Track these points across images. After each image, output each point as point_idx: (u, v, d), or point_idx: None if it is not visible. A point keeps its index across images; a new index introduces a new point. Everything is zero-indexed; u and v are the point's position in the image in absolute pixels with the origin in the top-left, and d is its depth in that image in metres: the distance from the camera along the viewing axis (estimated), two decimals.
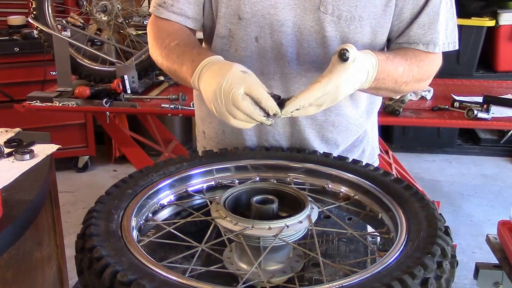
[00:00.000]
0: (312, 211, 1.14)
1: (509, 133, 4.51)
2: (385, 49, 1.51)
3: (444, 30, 1.44)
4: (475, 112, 2.75)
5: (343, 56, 1.17)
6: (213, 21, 1.49)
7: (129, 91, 3.06)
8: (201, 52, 1.33)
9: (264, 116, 1.17)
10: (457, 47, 1.48)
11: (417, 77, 1.42)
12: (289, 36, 1.43)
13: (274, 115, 1.16)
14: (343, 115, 1.54)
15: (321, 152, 1.47)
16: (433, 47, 1.43)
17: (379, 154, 1.76)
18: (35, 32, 3.54)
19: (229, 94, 1.15)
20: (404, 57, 1.39)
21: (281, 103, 1.19)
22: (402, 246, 1.04)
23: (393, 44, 1.48)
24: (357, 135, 1.63)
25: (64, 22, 3.40)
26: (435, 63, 1.47)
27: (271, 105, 1.16)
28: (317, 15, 1.40)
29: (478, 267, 1.51)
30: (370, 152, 1.71)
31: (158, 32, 1.48)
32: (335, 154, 1.47)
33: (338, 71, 1.19)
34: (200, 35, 1.60)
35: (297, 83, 1.47)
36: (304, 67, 1.46)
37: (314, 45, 1.44)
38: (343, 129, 1.57)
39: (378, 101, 1.65)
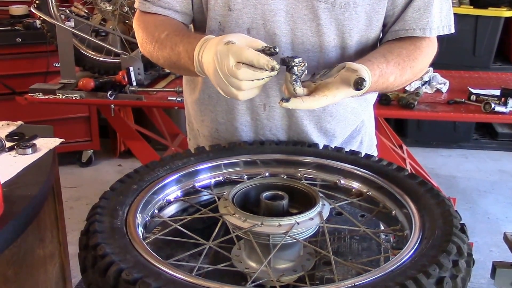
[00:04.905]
0: (323, 208, 1.13)
1: None
2: (380, 35, 1.51)
3: (438, 13, 1.45)
4: (493, 105, 2.75)
5: (358, 86, 1.17)
6: (204, 15, 1.48)
7: (134, 83, 3.07)
8: (191, 41, 1.31)
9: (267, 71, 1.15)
10: (452, 31, 1.49)
11: (409, 78, 1.44)
12: (282, 25, 1.42)
13: (272, 69, 1.14)
14: (340, 104, 1.53)
15: (333, 147, 1.46)
16: (429, 31, 1.44)
17: (392, 149, 1.76)
18: (38, 22, 3.56)
19: (225, 71, 1.15)
20: (397, 61, 1.39)
21: (288, 65, 1.19)
22: (417, 244, 1.02)
23: (389, 32, 1.48)
24: (355, 125, 1.63)
25: (68, 12, 3.39)
26: (429, 54, 1.47)
27: (264, 62, 1.13)
28: (310, 3, 1.39)
29: (495, 266, 1.50)
30: (368, 142, 1.71)
31: (145, 27, 1.47)
32: (333, 146, 1.47)
33: (345, 92, 1.21)
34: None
35: None
36: None
37: (309, 34, 1.42)
38: (341, 119, 1.56)
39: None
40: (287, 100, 1.18)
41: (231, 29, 1.43)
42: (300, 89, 1.20)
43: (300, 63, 1.18)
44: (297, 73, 1.18)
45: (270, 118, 1.51)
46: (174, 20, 1.47)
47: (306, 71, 1.20)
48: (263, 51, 1.15)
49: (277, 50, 1.16)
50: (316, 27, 1.41)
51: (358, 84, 1.16)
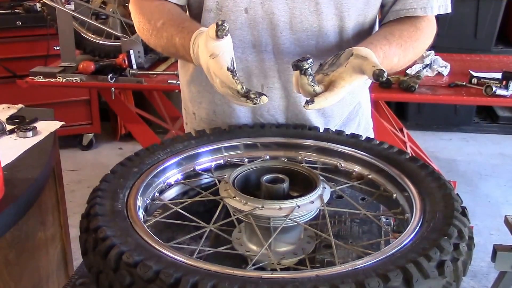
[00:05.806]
0: (324, 191, 1.12)
1: None
2: (377, 15, 1.50)
3: None
4: (494, 88, 2.74)
5: (379, 78, 1.15)
6: None
7: (135, 66, 3.06)
8: (184, 36, 1.30)
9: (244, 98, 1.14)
10: (449, 10, 1.49)
11: (411, 58, 1.44)
12: (280, 4, 1.40)
13: (238, 92, 1.13)
14: None
15: (333, 130, 1.45)
16: (430, 10, 1.44)
17: (393, 132, 1.75)
18: (38, 5, 3.53)
19: (214, 84, 1.18)
20: (399, 42, 1.38)
21: (301, 69, 1.17)
22: (418, 228, 1.02)
23: (390, 12, 1.47)
24: (352, 106, 1.62)
25: None
26: (429, 34, 1.47)
27: (236, 88, 1.13)
28: None
29: (496, 249, 1.50)
30: (365, 125, 1.71)
31: (142, 12, 1.45)
32: (331, 128, 1.47)
33: (359, 79, 1.20)
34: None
35: (290, 54, 1.45)
36: (297, 36, 1.44)
37: (307, 13, 1.41)
38: None
39: None
40: (312, 101, 1.17)
41: (228, 8, 1.41)
42: (318, 88, 1.19)
43: (312, 64, 1.17)
44: (312, 73, 1.17)
45: (268, 98, 1.51)
46: (169, 5, 1.45)
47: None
48: (218, 30, 1.12)
49: (221, 22, 1.12)
50: (315, 6, 1.40)
51: (379, 76, 1.14)
